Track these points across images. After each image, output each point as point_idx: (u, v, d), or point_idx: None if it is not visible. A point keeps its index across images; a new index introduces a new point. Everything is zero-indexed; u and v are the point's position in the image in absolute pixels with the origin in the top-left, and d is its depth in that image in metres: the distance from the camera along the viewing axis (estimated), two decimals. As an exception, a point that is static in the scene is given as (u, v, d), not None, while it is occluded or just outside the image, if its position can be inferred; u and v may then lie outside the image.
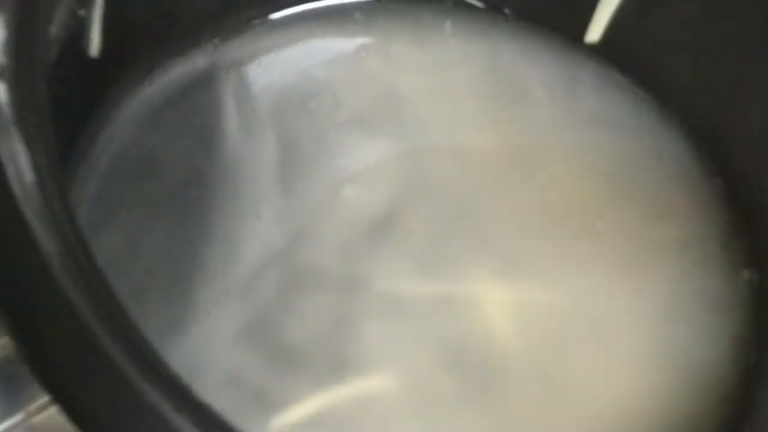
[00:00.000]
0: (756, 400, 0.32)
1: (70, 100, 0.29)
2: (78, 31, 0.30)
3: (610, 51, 0.38)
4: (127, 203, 0.33)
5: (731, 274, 0.35)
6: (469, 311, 0.34)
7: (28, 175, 0.22)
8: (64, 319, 0.22)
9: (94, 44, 0.31)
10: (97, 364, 0.21)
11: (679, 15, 0.36)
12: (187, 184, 0.34)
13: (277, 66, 0.37)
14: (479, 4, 0.39)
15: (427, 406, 0.33)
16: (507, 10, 0.39)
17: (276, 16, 0.38)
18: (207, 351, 0.32)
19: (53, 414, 0.37)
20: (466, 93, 0.38)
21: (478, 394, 0.33)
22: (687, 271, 0.35)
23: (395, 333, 0.33)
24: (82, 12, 0.29)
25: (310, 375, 0.32)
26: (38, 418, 0.37)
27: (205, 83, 0.35)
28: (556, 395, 0.33)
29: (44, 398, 0.37)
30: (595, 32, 0.38)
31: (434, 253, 0.35)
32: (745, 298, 0.35)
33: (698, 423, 0.33)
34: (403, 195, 0.36)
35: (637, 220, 0.36)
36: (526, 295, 0.35)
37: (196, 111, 0.35)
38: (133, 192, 0.33)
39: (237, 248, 0.33)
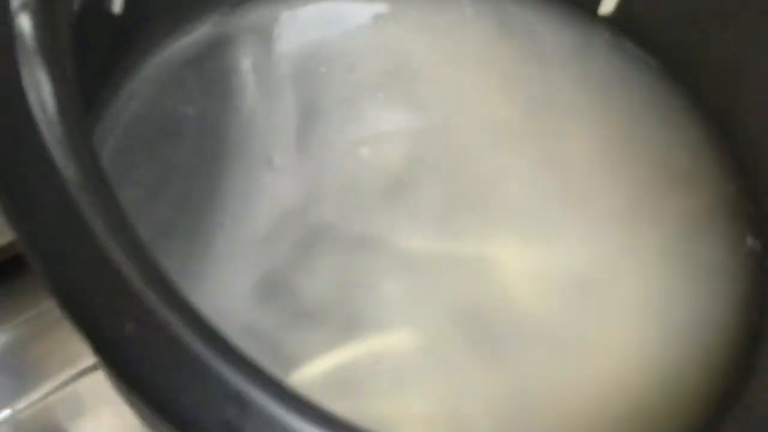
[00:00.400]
0: (757, 359, 0.33)
1: (93, 54, 0.30)
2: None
3: (622, 21, 0.38)
4: (146, 158, 0.34)
5: (735, 242, 0.36)
6: (483, 271, 0.35)
7: (50, 102, 0.23)
8: (82, 242, 0.22)
9: (117, 1, 0.31)
10: (112, 283, 0.22)
11: None
12: (204, 142, 0.34)
13: (295, 29, 0.37)
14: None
15: (440, 363, 0.33)
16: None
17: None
18: (222, 304, 0.32)
19: (40, 410, 0.38)
20: (479, 60, 0.38)
21: (490, 352, 0.33)
22: (692, 237, 0.36)
23: (410, 291, 0.34)
24: (105, -34, 0.30)
25: (325, 331, 0.33)
26: (25, 414, 0.38)
27: (224, 45, 0.36)
28: (566, 354, 0.33)
29: (31, 396, 0.38)
30: (608, 4, 0.38)
31: (449, 213, 0.35)
32: (748, 265, 0.35)
33: (702, 380, 0.33)
34: (419, 157, 0.36)
35: (645, 186, 0.36)
36: (540, 257, 0.35)
37: (216, 72, 0.36)
38: (152, 147, 0.34)
39: (253, 205, 0.34)
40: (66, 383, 0.39)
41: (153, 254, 0.23)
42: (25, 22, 0.23)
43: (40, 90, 0.23)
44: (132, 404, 0.30)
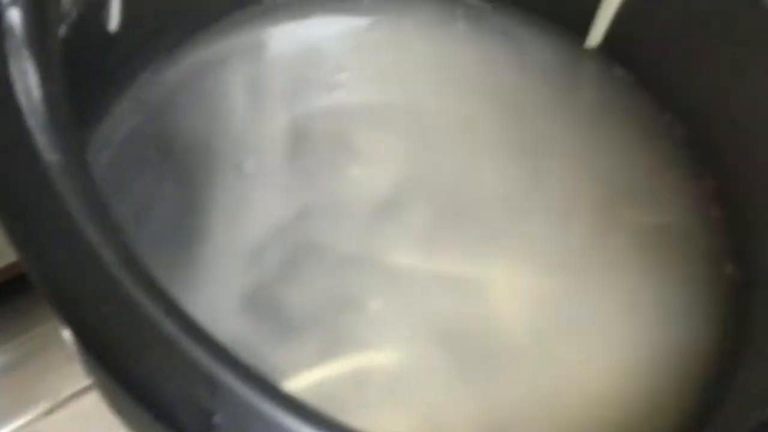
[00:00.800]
0: (731, 383, 0.33)
1: (87, 71, 0.31)
2: (98, 3, 0.32)
3: (611, 50, 0.39)
4: (137, 173, 0.34)
5: (714, 268, 0.36)
6: (467, 291, 0.35)
7: (36, 91, 0.24)
8: (61, 225, 0.23)
9: (114, 19, 0.32)
10: (89, 265, 0.23)
11: (675, 19, 0.37)
12: (197, 159, 0.35)
13: (288, 47, 0.38)
14: (488, 4, 0.40)
15: (424, 380, 0.33)
16: (517, 11, 0.40)
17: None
18: (209, 316, 0.33)
19: None
20: (471, 81, 0.39)
21: (473, 370, 0.33)
22: (673, 259, 0.36)
23: (396, 309, 0.34)
24: (101, -17, 0.31)
25: (312, 346, 0.33)
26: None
27: (215, 66, 0.37)
28: (545, 372, 0.34)
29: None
30: (595, 38, 0.39)
31: (437, 234, 0.36)
32: (726, 290, 0.36)
33: (678, 403, 0.33)
34: (408, 177, 0.37)
35: (628, 213, 0.37)
36: (521, 277, 0.35)
37: (207, 92, 0.36)
38: (144, 163, 0.34)
39: (243, 220, 0.34)
40: (25, 426, 0.40)
41: (129, 240, 0.23)
42: (15, 16, 0.24)
43: (27, 79, 0.23)
44: (115, 407, 0.30)
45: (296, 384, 0.33)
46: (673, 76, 0.38)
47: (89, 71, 0.31)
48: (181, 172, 0.35)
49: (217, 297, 0.33)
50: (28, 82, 0.23)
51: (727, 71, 0.36)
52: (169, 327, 0.23)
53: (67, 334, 0.29)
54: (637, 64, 0.40)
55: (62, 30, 0.29)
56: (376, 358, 0.34)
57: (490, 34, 0.40)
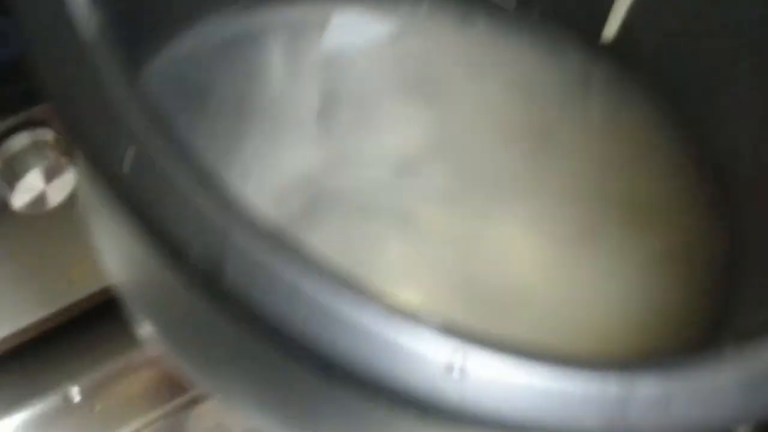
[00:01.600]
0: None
1: (134, 19, 0.34)
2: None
3: (624, 51, 0.41)
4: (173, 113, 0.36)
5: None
6: (483, 246, 0.37)
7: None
8: (93, 91, 0.25)
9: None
10: (114, 125, 0.25)
11: (690, 24, 0.39)
12: (232, 108, 0.37)
13: (327, 26, 0.40)
14: (509, 6, 0.42)
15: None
16: (534, 11, 0.42)
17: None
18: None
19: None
20: (492, 77, 0.41)
21: (485, 312, 0.35)
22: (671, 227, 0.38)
23: (414, 256, 0.36)
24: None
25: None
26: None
27: (257, 34, 0.39)
28: (553, 315, 0.35)
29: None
30: (610, 30, 0.41)
31: (454, 194, 0.38)
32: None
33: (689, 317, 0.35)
34: (430, 144, 0.39)
35: (626, 197, 0.39)
36: (531, 241, 0.37)
37: (250, 55, 0.39)
38: (181, 104, 0.36)
39: (271, 165, 0.36)
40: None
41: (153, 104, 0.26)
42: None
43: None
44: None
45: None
46: (687, 86, 0.40)
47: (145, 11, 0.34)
48: (215, 114, 0.37)
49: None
50: None
51: (745, 81, 0.37)
52: (185, 179, 0.24)
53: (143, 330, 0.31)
54: (649, 68, 0.41)
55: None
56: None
57: (509, 33, 0.42)
